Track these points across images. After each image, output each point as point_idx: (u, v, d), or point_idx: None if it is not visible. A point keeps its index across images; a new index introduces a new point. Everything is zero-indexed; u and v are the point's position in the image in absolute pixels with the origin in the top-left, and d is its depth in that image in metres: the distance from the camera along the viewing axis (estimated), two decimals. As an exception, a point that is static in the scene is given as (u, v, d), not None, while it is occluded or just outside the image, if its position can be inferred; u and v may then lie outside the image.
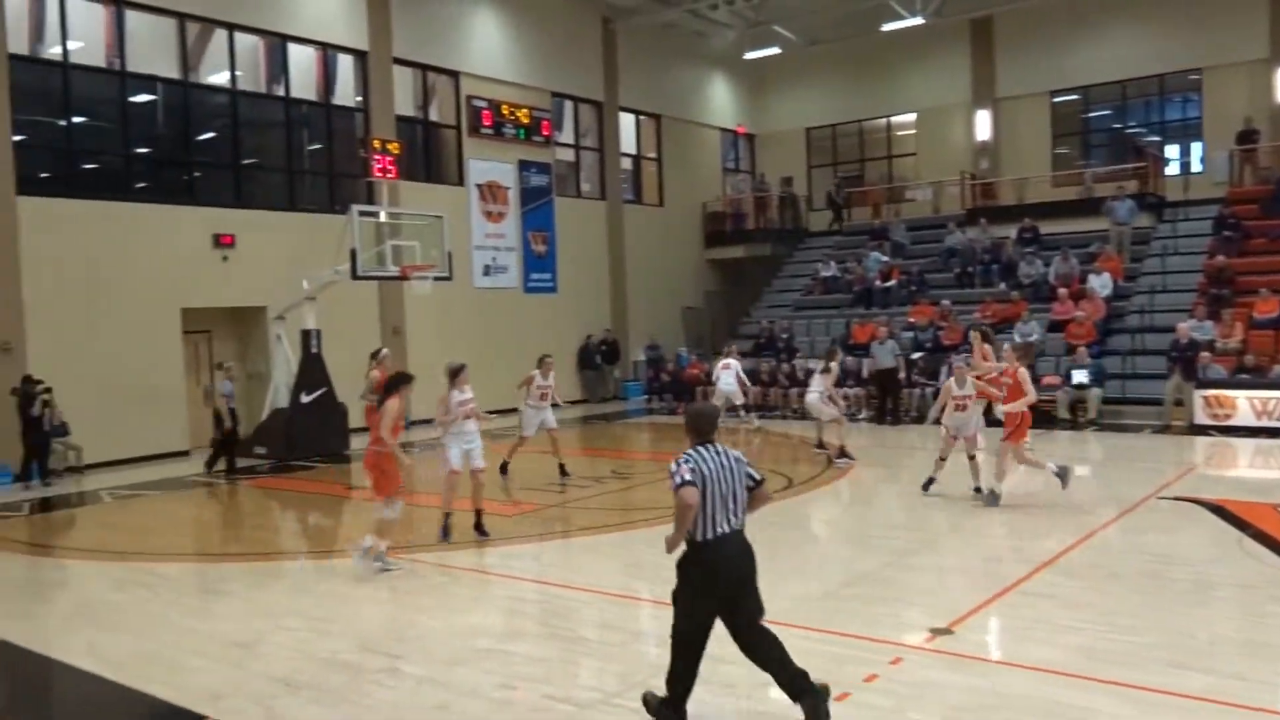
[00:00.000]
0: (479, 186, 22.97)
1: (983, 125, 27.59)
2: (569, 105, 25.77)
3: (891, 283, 23.39)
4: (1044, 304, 20.70)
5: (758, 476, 5.25)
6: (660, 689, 5.37)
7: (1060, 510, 10.55)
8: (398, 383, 9.07)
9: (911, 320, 21.40)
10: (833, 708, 5.22)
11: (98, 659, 6.89)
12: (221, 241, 18.03)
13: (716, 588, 5.09)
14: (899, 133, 29.75)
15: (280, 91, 19.71)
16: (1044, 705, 5.48)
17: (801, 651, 6.30)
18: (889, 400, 18.94)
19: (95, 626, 7.66)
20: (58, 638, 7.45)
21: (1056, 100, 26.79)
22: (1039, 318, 19.99)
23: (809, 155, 30.88)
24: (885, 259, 24.40)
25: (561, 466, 13.43)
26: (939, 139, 28.36)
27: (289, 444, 16.40)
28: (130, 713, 6.14)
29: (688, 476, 5.03)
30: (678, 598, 5.18)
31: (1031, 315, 19.91)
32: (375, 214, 16.61)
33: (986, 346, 11.82)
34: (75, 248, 16.18)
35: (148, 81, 17.75)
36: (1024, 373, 10.90)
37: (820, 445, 14.96)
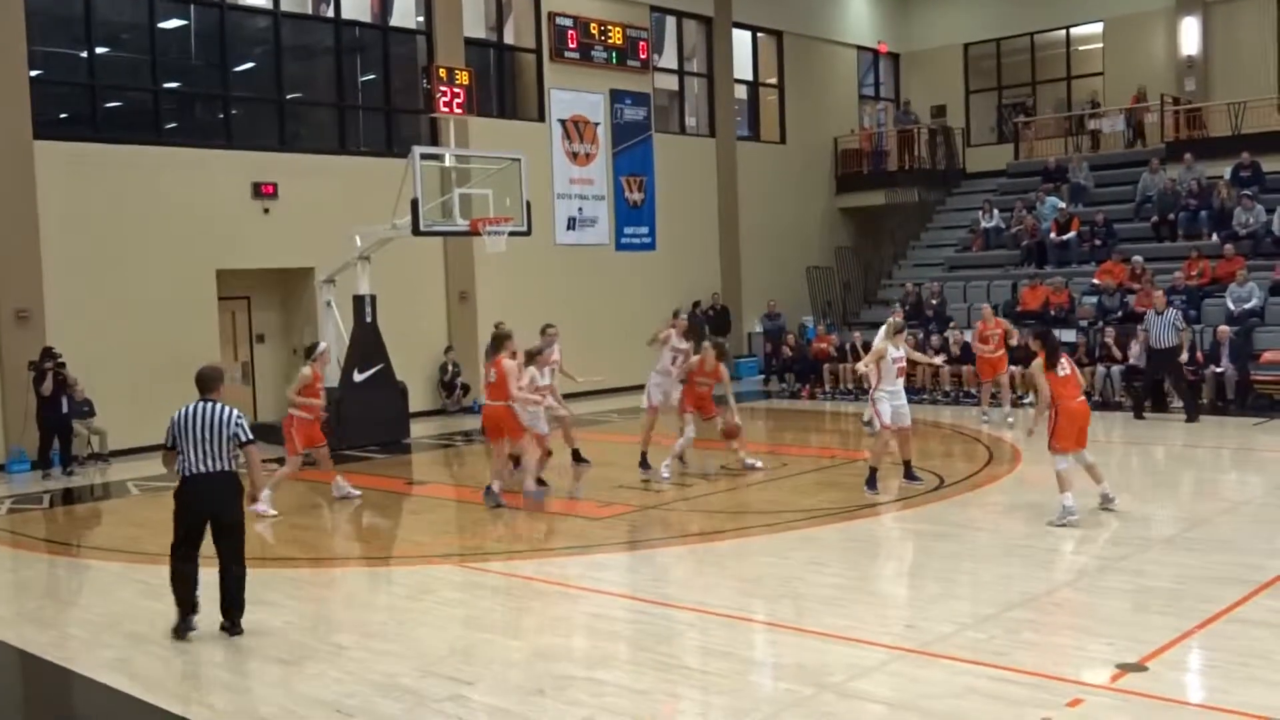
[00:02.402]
0: (563, 122, 23.10)
1: (1189, 36, 26.53)
2: (671, 22, 25.69)
3: (1070, 235, 22.77)
4: (1266, 260, 19.92)
5: (243, 438, 7.72)
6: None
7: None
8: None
9: (1096, 282, 20.82)
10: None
11: (127, 675, 7.18)
12: (262, 191, 18.55)
13: (190, 512, 7.73)
14: (1081, 48, 28.87)
15: (329, 13, 20.12)
16: (1263, 763, 5.29)
17: (957, 687, 6.26)
18: (1163, 388, 17.32)
19: (124, 638, 7.98)
20: (83, 650, 7.78)
21: (1287, 3, 25.60)
22: (1259, 277, 19.22)
23: (967, 78, 30.20)
24: (1063, 205, 23.74)
25: (576, 452, 14.22)
26: (1132, 55, 27.41)
27: (340, 429, 16.79)
28: (161, 738, 6.39)
29: (165, 440, 7.78)
30: (174, 518, 7.84)
31: (1249, 275, 19.16)
32: (440, 157, 16.82)
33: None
34: (98, 199, 16.83)
35: (179, 4, 18.31)
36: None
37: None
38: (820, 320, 24.91)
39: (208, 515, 7.76)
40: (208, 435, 7.66)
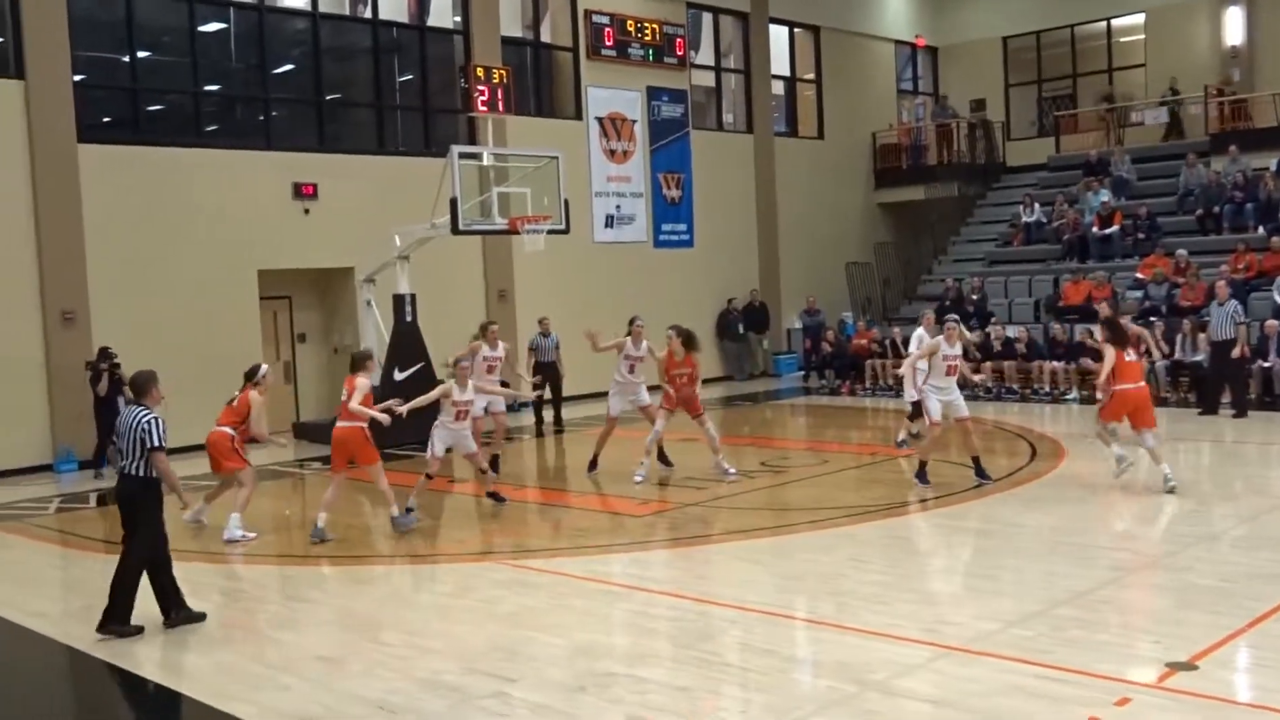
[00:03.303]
0: (600, 120, 23.11)
1: (1234, 25, 26.17)
2: (708, 18, 25.63)
3: (1113, 229, 22.53)
4: (1315, 253, 19.60)
5: (148, 444, 7.95)
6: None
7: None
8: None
9: (1139, 276, 20.60)
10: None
11: (173, 672, 7.28)
12: (302, 191, 18.69)
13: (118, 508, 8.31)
14: (1123, 39, 28.53)
15: (367, 14, 20.24)
16: (1316, 763, 5.22)
17: (1002, 685, 6.22)
18: (1224, 384, 16.67)
19: (172, 635, 8.08)
20: (129, 646, 7.88)
21: (1334, -10, 25.21)
22: (1308, 271, 18.93)
23: (1006, 71, 29.97)
24: (1106, 199, 23.51)
25: (495, 458, 13.53)
26: (1175, 45, 27.07)
27: (379, 429, 16.85)
28: (208, 735, 6.47)
29: (113, 435, 8.50)
30: None
31: (1298, 268, 18.89)
32: (478, 156, 16.88)
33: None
34: (140, 201, 17.03)
35: (219, 7, 18.51)
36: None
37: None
38: (860, 316, 24.79)
39: (121, 513, 8.22)
40: (127, 437, 8.07)
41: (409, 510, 11.42)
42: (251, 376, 11.70)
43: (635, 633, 7.82)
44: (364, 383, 10.97)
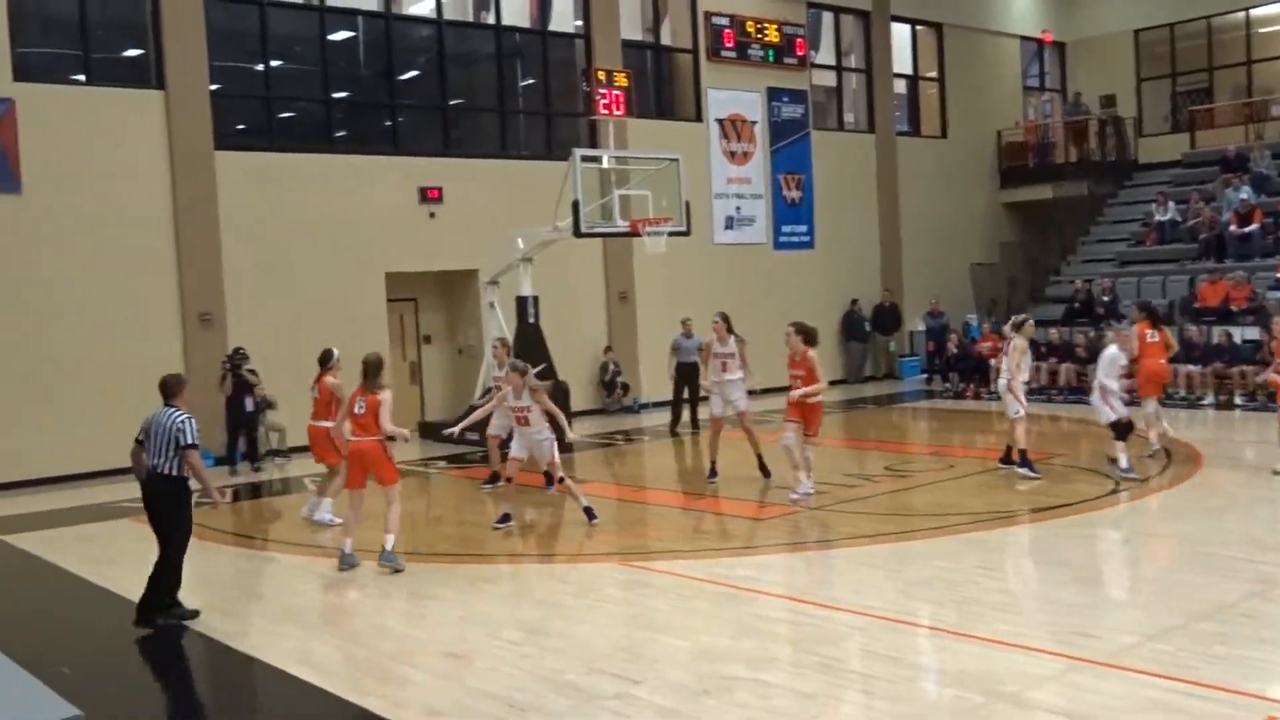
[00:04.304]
0: (720, 122, 23.09)
1: (1385, 14, 25.00)
2: (828, 17, 25.44)
3: (1253, 227, 21.70)
4: None
5: (181, 442, 8.26)
6: None
7: None
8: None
9: (1279, 276, 19.84)
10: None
11: (307, 664, 7.47)
12: (428, 195, 19.06)
13: (146, 506, 8.61)
14: (1263, 29, 27.46)
15: (490, 20, 20.56)
16: None
17: (1141, 700, 6.04)
18: None
19: (304, 629, 8.33)
20: (266, 639, 8.13)
21: None
22: None
23: (1138, 66, 29.10)
24: (1245, 196, 22.65)
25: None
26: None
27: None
28: (341, 727, 6.63)
29: (138, 435, 8.53)
30: None
31: None
32: (599, 159, 16.98)
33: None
34: (272, 206, 17.57)
35: (347, 16, 19.00)
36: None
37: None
38: (985, 318, 24.31)
39: (148, 505, 8.55)
40: (158, 436, 8.34)
41: (505, 517, 11.43)
42: (325, 362, 12.07)
43: (757, 636, 7.77)
44: (389, 397, 10.17)
